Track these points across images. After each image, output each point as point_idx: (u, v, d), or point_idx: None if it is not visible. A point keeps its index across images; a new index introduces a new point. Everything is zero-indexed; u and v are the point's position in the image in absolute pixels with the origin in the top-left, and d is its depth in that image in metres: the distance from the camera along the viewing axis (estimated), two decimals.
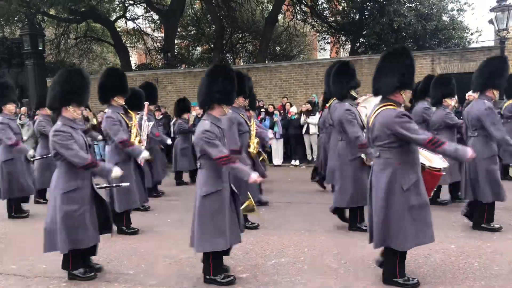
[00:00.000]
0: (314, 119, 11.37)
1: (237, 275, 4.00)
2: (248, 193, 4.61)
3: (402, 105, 3.65)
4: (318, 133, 11.55)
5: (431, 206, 3.69)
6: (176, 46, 22.00)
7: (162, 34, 21.98)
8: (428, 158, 4.93)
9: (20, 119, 10.75)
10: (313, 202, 7.11)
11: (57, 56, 21.00)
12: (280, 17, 20.59)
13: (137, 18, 22.94)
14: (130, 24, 23.19)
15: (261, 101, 12.74)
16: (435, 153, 4.07)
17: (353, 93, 5.35)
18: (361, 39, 19.29)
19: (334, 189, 7.18)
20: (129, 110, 5.62)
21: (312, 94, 13.02)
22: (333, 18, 20.27)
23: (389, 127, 3.47)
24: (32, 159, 6.95)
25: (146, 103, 6.36)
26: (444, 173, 5.08)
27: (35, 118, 12.24)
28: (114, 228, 4.45)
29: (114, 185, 4.82)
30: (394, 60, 3.59)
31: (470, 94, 10.29)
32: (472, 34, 19.28)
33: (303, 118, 11.48)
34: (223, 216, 3.74)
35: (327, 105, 6.25)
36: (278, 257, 4.54)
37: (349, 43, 20.64)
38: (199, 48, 24.54)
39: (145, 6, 21.15)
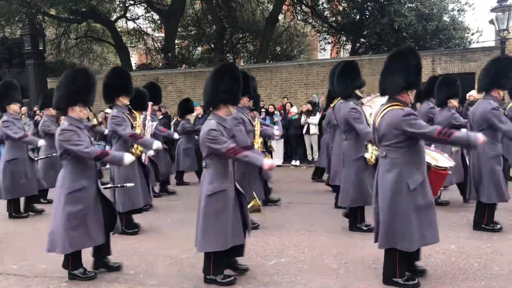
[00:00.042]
0: (315, 119, 11.37)
1: (238, 275, 3.99)
2: (254, 193, 4.62)
3: (409, 105, 3.65)
4: (318, 133, 11.56)
5: None
6: (176, 46, 22.00)
7: (163, 34, 21.98)
8: (434, 158, 4.93)
9: (20, 118, 10.75)
10: (313, 202, 7.11)
11: (57, 56, 21.00)
12: (280, 17, 20.58)
13: (138, 18, 22.94)
14: (131, 24, 23.22)
15: (261, 101, 12.74)
16: (447, 144, 4.04)
17: (357, 92, 5.36)
18: (362, 39, 19.29)
19: (333, 189, 7.24)
20: (133, 110, 5.64)
21: (312, 94, 13.02)
22: (334, 18, 20.27)
23: (397, 127, 3.48)
24: (36, 159, 6.98)
25: (150, 103, 6.37)
26: (450, 172, 5.09)
27: (35, 118, 12.31)
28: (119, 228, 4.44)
29: (119, 185, 4.85)
30: (400, 60, 3.60)
31: (471, 94, 10.31)
32: (472, 34, 19.29)
33: (303, 118, 11.48)
34: (226, 216, 3.74)
35: (332, 105, 6.24)
36: (278, 257, 4.54)
37: (350, 43, 20.65)
38: (199, 48, 24.53)
39: (146, 6, 21.15)
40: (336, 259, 4.42)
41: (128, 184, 4.66)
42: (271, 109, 12.00)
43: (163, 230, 5.75)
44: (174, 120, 11.45)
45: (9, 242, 5.47)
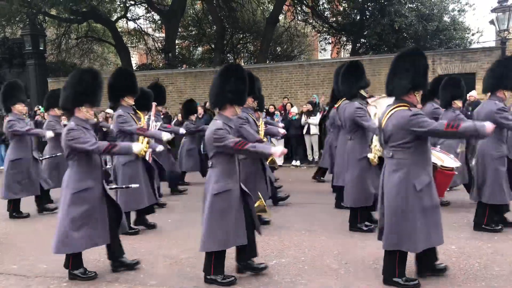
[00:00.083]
0: (315, 119, 11.37)
1: (238, 276, 3.99)
2: (259, 193, 4.62)
3: (416, 105, 3.66)
4: (318, 133, 11.56)
5: None
6: (177, 47, 22.01)
7: (163, 35, 21.99)
8: (440, 158, 4.94)
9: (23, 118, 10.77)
10: (314, 202, 7.11)
11: (58, 56, 21.00)
12: (281, 17, 20.57)
13: (138, 19, 22.95)
14: (131, 25, 23.21)
15: None
16: (456, 137, 4.03)
17: (362, 92, 5.36)
18: (362, 40, 19.28)
19: (334, 190, 7.24)
20: (137, 111, 5.66)
21: (312, 95, 13.02)
22: (334, 19, 20.26)
23: (405, 127, 3.48)
24: (41, 159, 7.02)
25: (154, 104, 6.38)
26: (456, 172, 5.09)
27: (36, 118, 12.32)
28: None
29: (124, 186, 4.87)
30: (408, 61, 3.60)
31: (471, 95, 10.32)
32: (473, 34, 19.29)
33: (303, 118, 11.48)
34: (230, 216, 3.75)
35: (336, 106, 6.23)
36: (278, 257, 4.54)
37: (350, 43, 20.64)
38: (200, 49, 24.54)
39: (146, 6, 21.15)
40: (337, 259, 4.42)
41: (133, 185, 4.69)
42: (271, 109, 12.01)
43: (163, 230, 5.76)
44: (174, 121, 11.45)
45: (10, 242, 5.47)
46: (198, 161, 8.86)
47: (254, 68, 15.15)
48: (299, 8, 20.60)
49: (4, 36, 18.39)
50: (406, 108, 3.54)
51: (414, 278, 3.71)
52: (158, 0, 21.40)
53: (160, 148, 5.85)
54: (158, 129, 6.38)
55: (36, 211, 6.93)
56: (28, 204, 6.98)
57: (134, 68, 22.30)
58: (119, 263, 4.23)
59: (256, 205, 4.17)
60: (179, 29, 21.48)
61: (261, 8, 22.06)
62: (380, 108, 5.18)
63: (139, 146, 4.21)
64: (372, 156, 5.11)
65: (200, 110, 10.42)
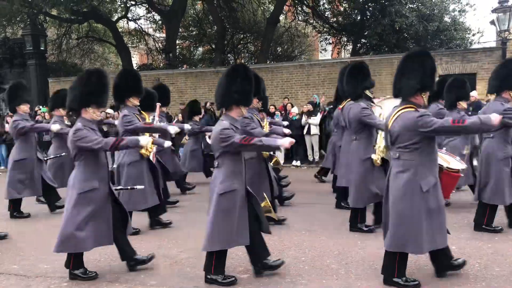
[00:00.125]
0: (315, 119, 11.36)
1: (238, 276, 4.00)
2: (264, 194, 4.61)
3: (422, 107, 3.66)
4: (319, 133, 11.56)
5: None
6: (177, 47, 22.02)
7: (164, 35, 21.99)
8: (446, 160, 4.93)
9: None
10: (314, 202, 7.11)
11: (59, 56, 21.03)
12: (281, 17, 20.57)
13: (139, 19, 22.96)
14: (132, 25, 23.22)
15: None
16: (463, 132, 4.04)
17: (368, 93, 5.35)
18: (363, 40, 19.28)
19: (334, 190, 7.24)
20: (142, 111, 5.66)
21: (313, 95, 13.02)
22: (335, 19, 20.26)
23: (412, 128, 3.48)
24: (45, 159, 7.04)
25: (158, 104, 6.40)
26: (462, 174, 5.09)
27: (36, 118, 12.33)
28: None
29: (129, 187, 4.88)
30: (415, 62, 3.60)
31: (472, 95, 10.30)
32: (473, 35, 19.29)
33: (304, 118, 11.48)
34: (233, 216, 3.75)
35: (340, 106, 6.23)
36: (278, 257, 4.52)
37: (351, 43, 20.64)
38: (200, 49, 24.55)
39: (147, 6, 21.16)
40: (337, 260, 4.42)
41: (138, 187, 4.71)
42: (271, 109, 12.00)
43: (163, 230, 5.76)
44: (175, 121, 11.46)
45: (10, 242, 5.47)
46: (202, 161, 8.87)
47: (255, 69, 15.11)
48: (299, 8, 20.61)
49: (5, 36, 18.41)
50: (413, 109, 3.54)
51: (415, 279, 3.70)
52: (159, 0, 21.41)
53: (168, 143, 5.89)
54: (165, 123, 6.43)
55: (33, 212, 6.91)
56: (28, 204, 6.99)
57: (135, 68, 22.30)
58: (134, 261, 4.24)
59: (261, 206, 4.17)
60: (180, 29, 21.49)
61: (262, 8, 22.06)
62: (385, 109, 5.19)
63: (146, 139, 4.21)
64: (376, 157, 5.11)
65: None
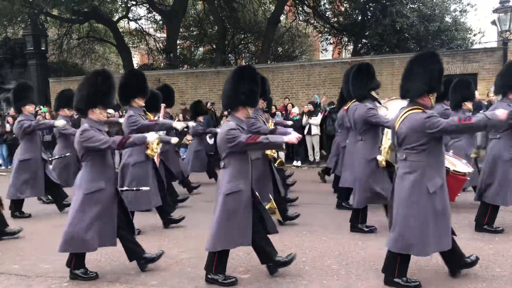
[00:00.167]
0: (316, 120, 11.35)
1: (239, 276, 4.00)
2: (270, 195, 4.60)
3: (429, 108, 3.66)
4: (320, 133, 11.55)
5: None
6: (178, 47, 22.04)
7: (165, 35, 22.01)
8: (453, 163, 4.93)
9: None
10: (315, 203, 7.11)
11: (59, 56, 21.06)
12: (282, 17, 20.58)
13: (140, 19, 22.98)
14: (133, 25, 23.26)
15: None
16: (470, 131, 4.06)
17: (373, 94, 5.35)
18: (364, 40, 19.28)
19: (335, 190, 7.23)
20: (147, 112, 5.66)
21: (314, 95, 13.01)
22: (336, 19, 20.26)
23: (419, 130, 3.48)
24: (50, 159, 7.06)
25: (163, 105, 6.41)
26: (468, 178, 5.09)
27: (37, 118, 12.33)
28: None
29: (134, 188, 4.88)
30: (422, 64, 3.60)
31: None
32: (474, 35, 19.28)
33: (305, 119, 11.47)
34: (238, 217, 3.76)
35: (345, 107, 6.22)
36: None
37: (352, 44, 20.63)
38: (201, 49, 24.57)
39: (148, 6, 21.18)
40: (337, 260, 4.42)
41: (144, 188, 4.72)
42: (272, 109, 12.00)
43: (163, 230, 5.76)
44: (176, 121, 11.44)
45: (11, 242, 5.47)
46: (205, 162, 8.90)
47: (255, 69, 15.16)
48: (300, 9, 20.61)
49: (6, 36, 18.44)
50: (421, 110, 3.54)
51: (416, 279, 3.70)
52: (160, 0, 21.43)
53: (175, 139, 5.85)
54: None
55: (34, 212, 6.92)
56: (29, 204, 6.99)
57: (136, 68, 22.30)
58: (144, 260, 4.24)
59: (267, 207, 4.17)
60: (181, 29, 21.50)
61: (263, 8, 22.07)
62: (391, 110, 5.18)
63: (153, 136, 4.22)
64: (381, 158, 5.10)
65: None
